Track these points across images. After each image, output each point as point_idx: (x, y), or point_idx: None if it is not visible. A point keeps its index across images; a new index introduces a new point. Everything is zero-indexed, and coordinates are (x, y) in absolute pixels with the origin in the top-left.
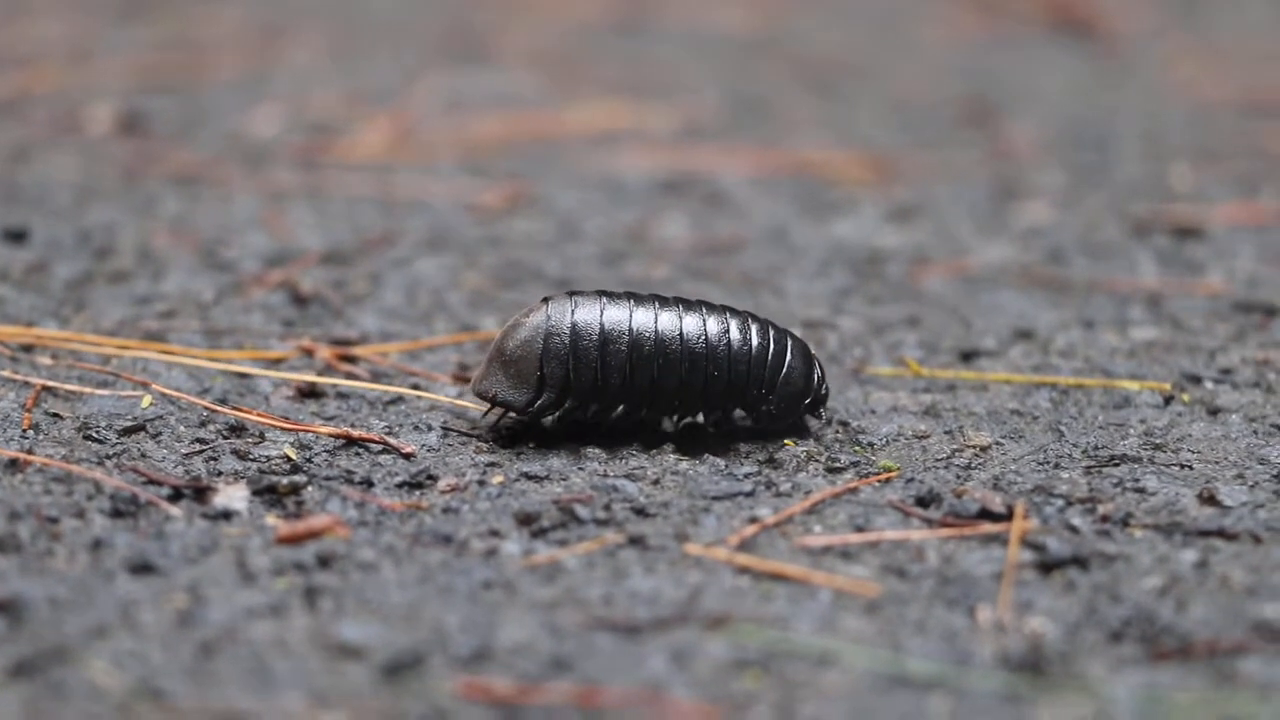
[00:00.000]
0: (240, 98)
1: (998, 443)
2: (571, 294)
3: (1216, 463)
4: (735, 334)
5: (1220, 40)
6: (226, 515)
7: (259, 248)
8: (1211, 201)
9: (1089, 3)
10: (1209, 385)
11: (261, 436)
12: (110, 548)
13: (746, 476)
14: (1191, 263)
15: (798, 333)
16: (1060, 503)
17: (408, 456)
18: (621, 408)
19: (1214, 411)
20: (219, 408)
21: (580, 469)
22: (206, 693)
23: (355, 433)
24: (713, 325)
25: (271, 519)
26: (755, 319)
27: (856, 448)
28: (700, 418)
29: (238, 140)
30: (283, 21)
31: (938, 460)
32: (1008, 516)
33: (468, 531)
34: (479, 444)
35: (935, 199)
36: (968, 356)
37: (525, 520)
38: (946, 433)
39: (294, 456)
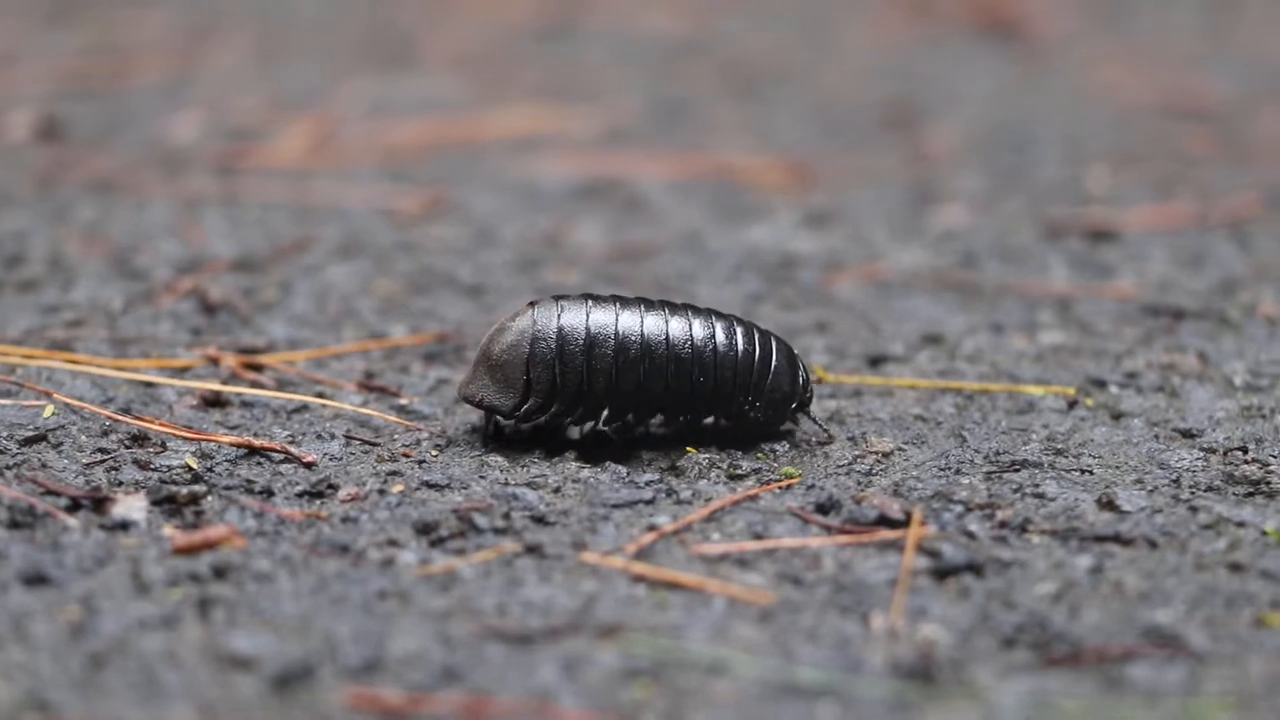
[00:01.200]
0: (162, 103)
1: (900, 449)
2: (557, 298)
3: (1117, 468)
4: (721, 337)
5: (1145, 43)
6: (124, 526)
7: (172, 255)
8: (1127, 204)
9: (1016, 6)
10: (1113, 389)
11: (163, 446)
12: (4, 559)
13: (648, 484)
14: (1104, 266)
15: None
16: (959, 509)
17: (309, 465)
18: (608, 412)
19: (1117, 416)
20: (122, 417)
21: (482, 478)
22: (94, 705)
23: (257, 442)
24: (699, 329)
25: (169, 529)
26: (741, 322)
27: (760, 454)
28: (686, 421)
29: (157, 146)
30: (208, 26)
31: (839, 467)
32: (905, 523)
33: (366, 541)
34: (381, 453)
35: (852, 204)
36: (875, 362)
37: (424, 529)
38: (850, 439)
39: (195, 466)
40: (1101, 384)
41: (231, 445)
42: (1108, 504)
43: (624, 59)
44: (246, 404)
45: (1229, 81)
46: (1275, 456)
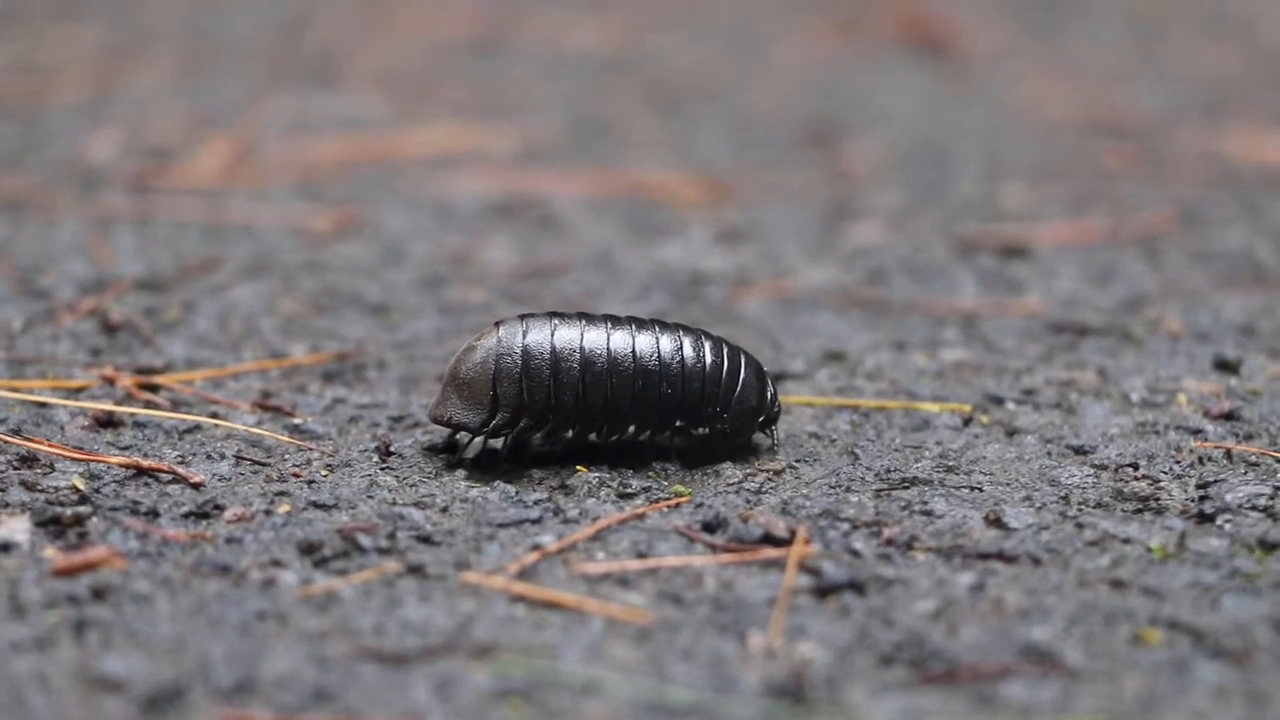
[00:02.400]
0: (81, 121)
1: (791, 466)
2: (523, 316)
3: (1007, 484)
4: (689, 351)
5: (1072, 60)
6: (6, 548)
7: (77, 275)
8: (1042, 221)
9: (945, 24)
10: (1010, 406)
11: (51, 467)
12: None
13: (536, 503)
14: (1013, 282)
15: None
16: (845, 526)
17: (197, 486)
18: (576, 427)
19: (1011, 433)
20: (11, 438)
21: (370, 498)
22: None
23: (145, 462)
24: (666, 343)
25: (50, 551)
26: (709, 336)
27: (650, 473)
28: (653, 436)
29: (72, 165)
30: (134, 44)
31: (729, 485)
32: (790, 541)
33: (249, 562)
34: (270, 473)
35: (767, 220)
36: (775, 379)
37: (307, 550)
38: (741, 457)
39: (82, 487)
40: (999, 401)
41: (120, 466)
42: (995, 521)
43: (550, 76)
44: (140, 424)
45: (1152, 98)
46: (1166, 473)
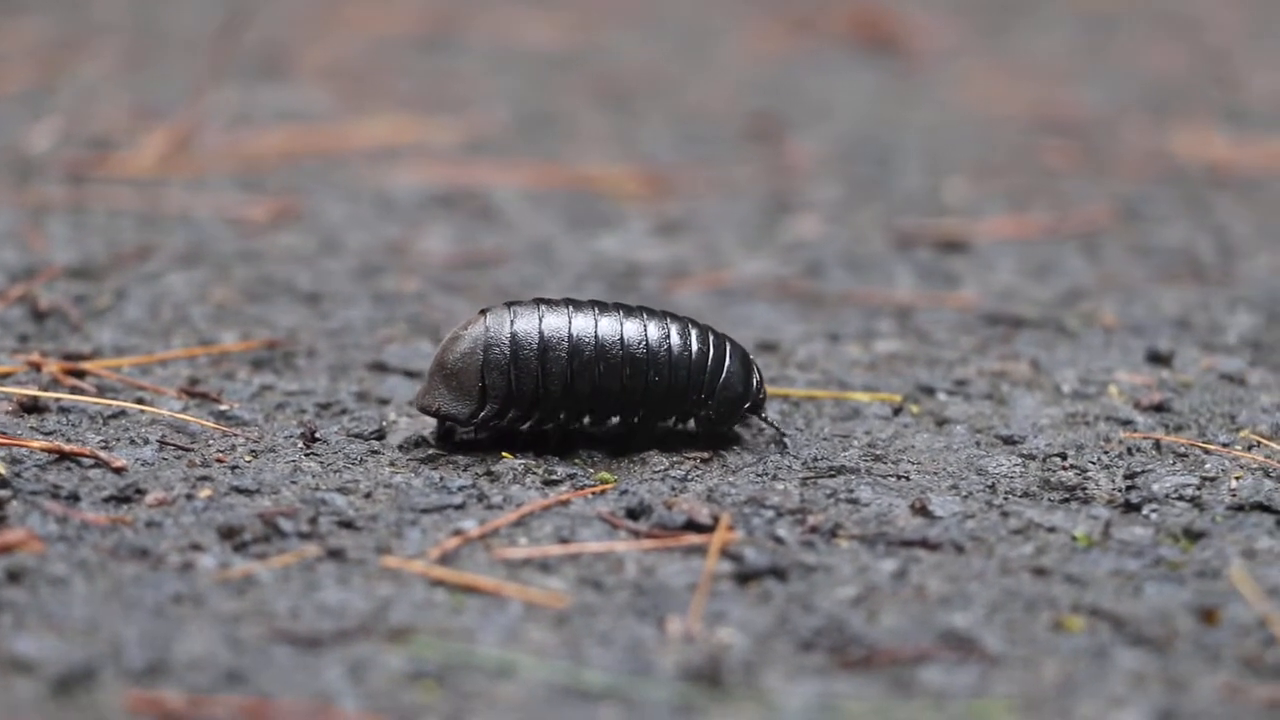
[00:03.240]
0: (22, 112)
1: (719, 454)
2: (509, 304)
3: (935, 473)
4: (676, 339)
5: (1020, 58)
6: None
7: (8, 263)
8: (981, 216)
9: (895, 21)
10: (941, 397)
11: None
12: None
13: (460, 489)
14: (950, 276)
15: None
16: (770, 514)
17: (119, 471)
18: (564, 414)
19: (941, 423)
20: None
21: (294, 483)
22: None
23: (68, 447)
24: (653, 330)
25: None
26: (695, 324)
27: (577, 460)
28: (640, 422)
29: (9, 155)
30: (79, 36)
31: (656, 472)
32: (713, 528)
33: (168, 545)
34: (193, 458)
35: (707, 213)
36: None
37: (228, 534)
38: (669, 445)
39: (3, 471)
40: (931, 391)
41: (42, 451)
42: (920, 509)
43: (498, 71)
44: (64, 410)
45: (1098, 96)
46: (1094, 463)
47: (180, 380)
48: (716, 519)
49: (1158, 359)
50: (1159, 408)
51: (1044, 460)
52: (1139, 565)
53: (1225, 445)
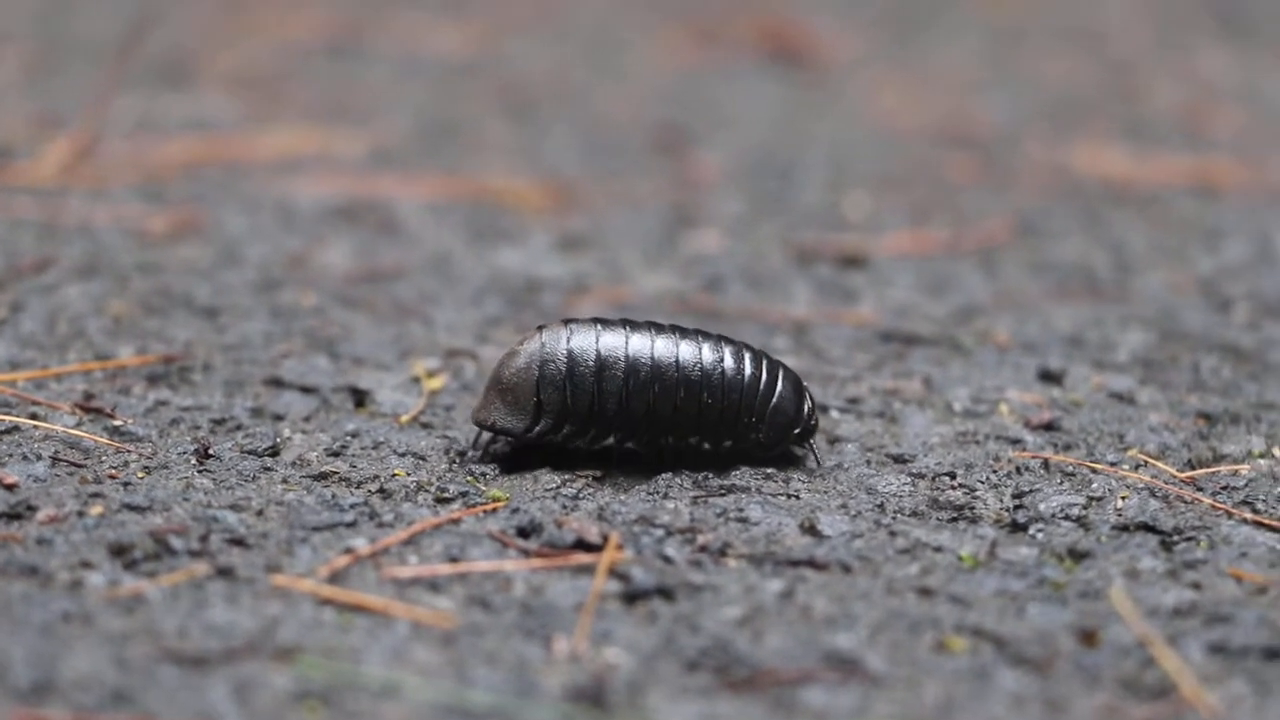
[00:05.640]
0: None
1: (611, 473)
2: (566, 321)
3: (825, 493)
4: (730, 362)
5: (927, 70)
6: None
7: None
8: (881, 231)
9: (803, 33)
10: (834, 414)
11: None
12: None
13: (351, 507)
14: (848, 291)
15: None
16: (660, 533)
17: (10, 487)
18: (617, 434)
19: (833, 441)
20: None
21: (186, 500)
22: None
23: None
24: (708, 353)
25: None
26: (750, 349)
27: (469, 478)
28: (692, 444)
29: None
30: None
31: (548, 490)
32: (602, 547)
33: (58, 563)
34: (86, 474)
35: (609, 227)
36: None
37: (118, 551)
38: (561, 463)
39: None
40: (823, 409)
41: None
42: (809, 528)
43: (404, 80)
44: None
45: (1001, 109)
46: (982, 482)
47: (75, 395)
48: (606, 538)
49: (1049, 377)
50: (1049, 426)
51: (933, 479)
52: (1023, 585)
53: (1113, 464)
